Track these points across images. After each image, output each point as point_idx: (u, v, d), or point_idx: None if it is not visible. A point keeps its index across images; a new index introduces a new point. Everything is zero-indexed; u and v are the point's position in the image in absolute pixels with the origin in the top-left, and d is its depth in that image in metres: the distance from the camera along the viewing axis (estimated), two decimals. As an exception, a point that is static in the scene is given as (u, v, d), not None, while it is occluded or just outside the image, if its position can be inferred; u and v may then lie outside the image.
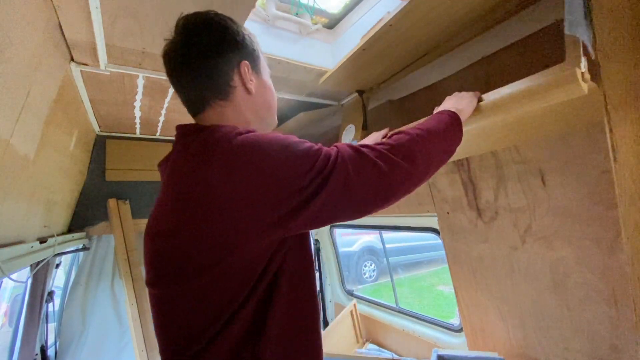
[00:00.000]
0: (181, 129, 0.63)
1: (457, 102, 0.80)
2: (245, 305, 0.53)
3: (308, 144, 0.56)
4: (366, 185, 0.56)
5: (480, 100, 0.80)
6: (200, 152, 0.55)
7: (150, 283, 0.60)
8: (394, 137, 0.65)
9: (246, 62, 0.65)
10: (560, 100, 0.66)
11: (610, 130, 0.61)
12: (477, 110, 0.79)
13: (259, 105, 0.68)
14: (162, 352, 0.60)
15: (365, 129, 1.32)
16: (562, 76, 0.63)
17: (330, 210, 0.54)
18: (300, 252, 0.61)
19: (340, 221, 0.58)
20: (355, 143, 1.16)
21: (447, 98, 0.87)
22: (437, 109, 0.88)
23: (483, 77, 1.10)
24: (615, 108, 0.60)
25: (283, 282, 0.56)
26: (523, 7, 0.85)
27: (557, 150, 0.94)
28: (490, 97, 0.78)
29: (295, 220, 0.52)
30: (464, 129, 0.75)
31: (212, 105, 0.63)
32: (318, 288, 2.76)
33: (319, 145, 0.58)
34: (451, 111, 0.75)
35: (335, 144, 0.61)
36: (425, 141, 0.65)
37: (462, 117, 0.76)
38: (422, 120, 0.73)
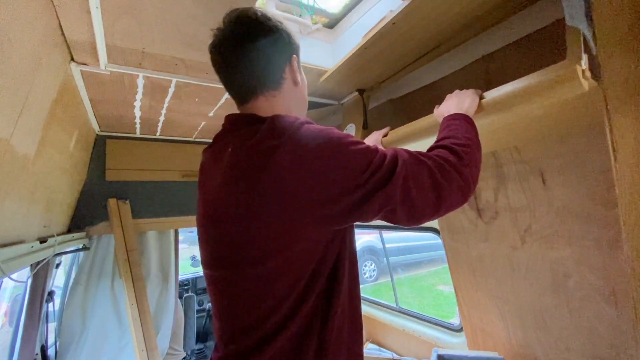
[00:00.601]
0: (236, 118, 0.67)
1: (461, 102, 0.80)
2: (309, 294, 0.56)
3: (365, 143, 0.59)
4: (422, 192, 0.57)
5: (481, 98, 0.80)
6: (268, 138, 0.56)
7: (210, 265, 0.64)
8: (439, 151, 0.65)
9: (296, 56, 0.69)
10: (562, 98, 0.66)
11: (611, 130, 0.61)
12: (479, 108, 0.79)
13: (300, 98, 0.72)
14: (221, 335, 0.63)
15: (366, 128, 1.32)
16: (563, 73, 0.63)
17: (385, 212, 0.57)
18: (351, 241, 0.65)
19: (392, 223, 0.60)
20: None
21: (449, 96, 0.86)
22: (437, 108, 0.88)
23: (483, 75, 1.10)
24: (615, 107, 0.60)
25: (341, 272, 0.60)
26: (524, 6, 0.84)
27: (557, 150, 0.94)
28: (491, 94, 0.78)
29: (351, 216, 0.55)
30: None
31: (265, 94, 0.66)
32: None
33: (375, 145, 0.60)
34: (464, 115, 0.76)
35: (393, 147, 0.62)
36: (470, 152, 0.66)
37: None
38: (446, 130, 0.72)
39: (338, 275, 0.59)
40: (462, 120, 0.74)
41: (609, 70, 0.60)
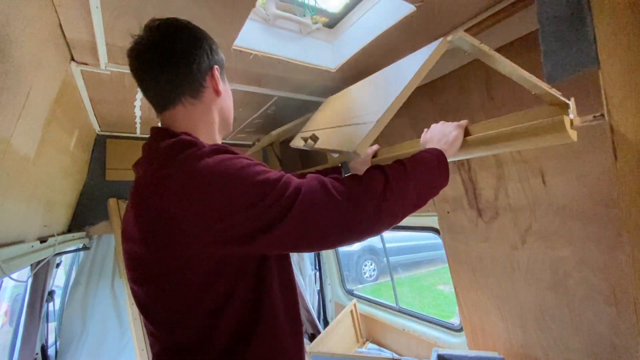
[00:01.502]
0: (152, 132, 0.66)
1: (445, 136, 0.78)
2: (223, 314, 0.57)
3: (271, 174, 0.57)
4: (325, 221, 0.55)
5: (467, 133, 0.78)
6: (163, 167, 0.57)
7: (129, 279, 0.64)
8: (372, 172, 0.63)
9: (217, 67, 0.69)
10: (548, 144, 0.66)
11: (611, 130, 0.61)
12: (463, 144, 0.78)
13: (224, 108, 0.72)
14: (152, 347, 0.64)
15: None
16: (550, 123, 0.62)
17: (290, 240, 0.55)
18: (282, 272, 0.65)
19: (304, 251, 0.60)
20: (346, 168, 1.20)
21: (433, 126, 0.84)
22: (424, 135, 0.85)
23: (484, 74, 1.10)
24: (615, 107, 0.60)
25: (265, 303, 0.61)
26: (525, 5, 0.84)
27: (558, 150, 0.94)
28: (476, 134, 0.76)
29: (253, 244, 0.54)
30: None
31: (183, 102, 0.66)
32: (318, 288, 2.76)
33: (283, 176, 0.58)
34: (438, 150, 0.73)
35: (309, 175, 0.60)
36: (404, 183, 0.63)
37: (449, 155, 0.75)
38: (408, 158, 0.70)
39: (261, 307, 0.60)
40: (431, 155, 0.72)
41: (609, 70, 0.60)
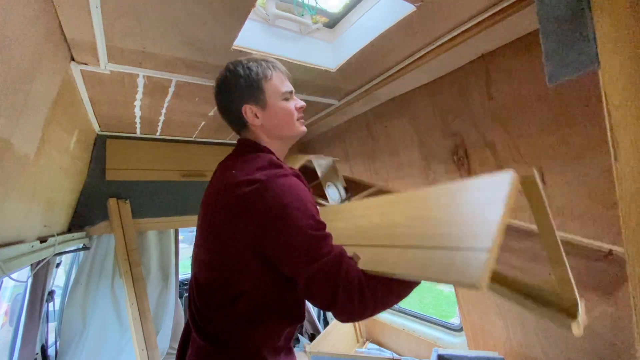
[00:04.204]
0: (237, 142, 0.92)
1: None
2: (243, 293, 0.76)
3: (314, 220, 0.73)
4: (328, 300, 0.68)
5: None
6: (255, 177, 0.74)
7: (195, 244, 0.88)
8: (373, 282, 0.70)
9: (248, 105, 0.85)
10: None
11: (611, 130, 0.61)
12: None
13: (270, 129, 0.88)
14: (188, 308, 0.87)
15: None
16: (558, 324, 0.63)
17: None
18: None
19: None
20: (340, 199, 1.22)
21: None
22: None
23: (484, 74, 1.10)
24: (615, 107, 0.60)
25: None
26: (525, 5, 0.84)
27: (558, 150, 0.94)
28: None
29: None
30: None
31: (240, 132, 0.92)
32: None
33: (324, 230, 0.73)
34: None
35: (345, 255, 0.72)
36: (388, 296, 0.72)
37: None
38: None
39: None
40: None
41: (609, 70, 0.60)
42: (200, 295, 0.81)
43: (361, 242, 0.82)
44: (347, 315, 0.69)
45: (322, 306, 0.69)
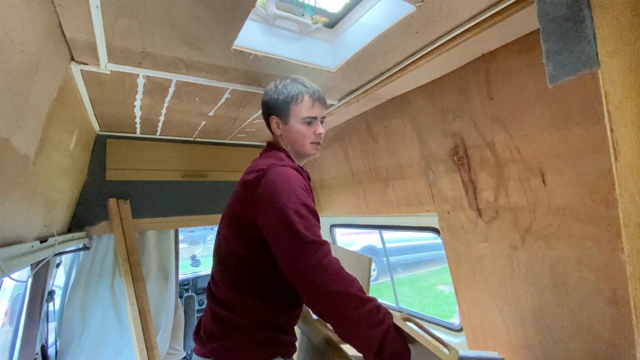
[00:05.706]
0: (266, 143, 1.14)
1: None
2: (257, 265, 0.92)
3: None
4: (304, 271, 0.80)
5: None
6: (260, 167, 0.93)
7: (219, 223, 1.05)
8: (343, 273, 0.82)
9: (275, 117, 1.07)
10: None
11: (611, 130, 0.61)
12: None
13: (289, 141, 1.08)
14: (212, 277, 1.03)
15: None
16: None
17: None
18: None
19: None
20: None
21: None
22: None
23: (484, 74, 1.10)
24: (615, 107, 0.60)
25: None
26: (525, 5, 0.84)
27: (558, 150, 0.94)
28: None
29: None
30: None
31: (272, 134, 1.13)
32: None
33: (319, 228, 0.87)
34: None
35: (327, 244, 0.84)
36: (349, 305, 0.76)
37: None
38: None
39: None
40: (381, 329, 0.76)
41: (609, 70, 0.60)
42: (219, 264, 0.99)
43: None
44: (296, 262, 0.79)
45: (286, 267, 0.81)
